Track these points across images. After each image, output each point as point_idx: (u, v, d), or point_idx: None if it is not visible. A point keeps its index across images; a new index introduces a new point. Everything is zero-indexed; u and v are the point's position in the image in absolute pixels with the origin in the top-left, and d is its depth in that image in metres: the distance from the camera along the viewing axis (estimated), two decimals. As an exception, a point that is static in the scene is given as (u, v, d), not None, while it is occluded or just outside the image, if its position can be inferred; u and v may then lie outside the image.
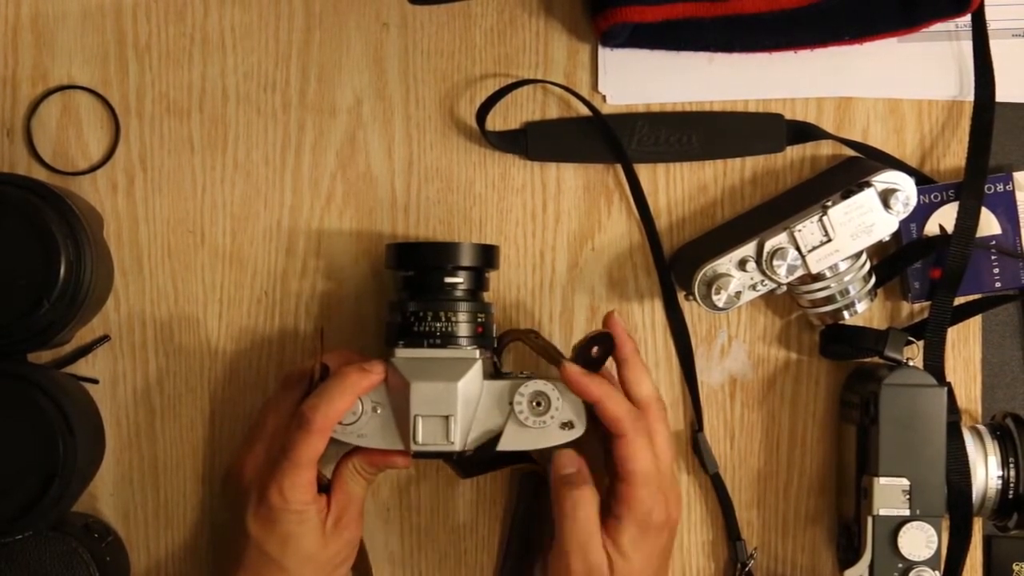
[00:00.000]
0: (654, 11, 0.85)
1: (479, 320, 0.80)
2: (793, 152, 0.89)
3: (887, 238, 0.82)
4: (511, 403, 0.78)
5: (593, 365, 0.79)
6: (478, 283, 0.81)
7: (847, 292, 0.84)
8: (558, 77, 0.88)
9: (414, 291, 0.80)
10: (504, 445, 0.79)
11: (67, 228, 0.78)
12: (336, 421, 0.77)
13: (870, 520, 0.81)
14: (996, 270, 0.87)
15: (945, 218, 0.87)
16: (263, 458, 0.80)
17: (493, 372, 0.81)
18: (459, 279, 0.80)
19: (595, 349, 0.79)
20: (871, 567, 0.81)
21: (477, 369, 0.79)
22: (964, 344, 0.89)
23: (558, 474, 0.77)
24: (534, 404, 0.78)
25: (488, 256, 0.82)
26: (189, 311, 0.88)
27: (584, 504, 0.76)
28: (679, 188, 0.89)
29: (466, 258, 0.80)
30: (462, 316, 0.79)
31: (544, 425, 0.78)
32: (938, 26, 0.88)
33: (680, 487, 0.81)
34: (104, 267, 0.83)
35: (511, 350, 0.87)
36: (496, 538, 0.89)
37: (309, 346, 0.87)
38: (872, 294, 0.85)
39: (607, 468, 0.79)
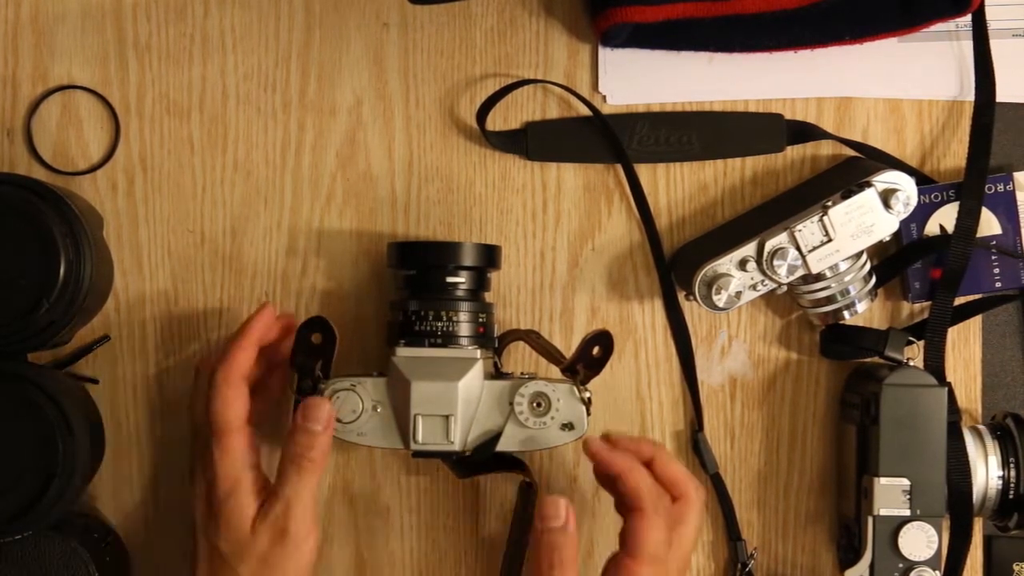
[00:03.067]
0: (654, 11, 0.85)
1: (480, 320, 0.80)
2: (793, 152, 0.89)
3: (887, 238, 0.82)
4: (511, 403, 0.78)
5: (595, 365, 0.79)
6: (480, 283, 0.81)
7: (847, 292, 0.84)
8: (558, 77, 0.88)
9: (415, 290, 0.80)
10: (504, 446, 0.79)
11: (67, 228, 0.78)
12: (238, 373, 0.77)
13: (870, 520, 0.81)
14: (996, 270, 0.87)
15: (945, 218, 0.87)
16: (198, 444, 0.80)
17: (494, 372, 0.81)
18: (461, 279, 0.80)
19: (596, 349, 0.79)
20: (871, 567, 0.81)
21: (478, 369, 0.79)
22: (964, 344, 0.89)
23: (545, 524, 0.74)
24: (534, 405, 0.78)
25: (490, 256, 0.82)
26: (189, 311, 0.88)
27: (567, 562, 0.73)
28: (679, 188, 0.89)
29: (468, 258, 0.80)
30: (463, 316, 0.79)
31: (544, 426, 0.78)
32: (938, 26, 0.88)
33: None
34: (104, 267, 0.83)
35: (511, 350, 0.87)
36: (495, 538, 0.89)
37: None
38: (872, 294, 0.85)
39: (620, 537, 0.77)
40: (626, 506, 0.76)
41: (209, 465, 0.77)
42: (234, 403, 0.77)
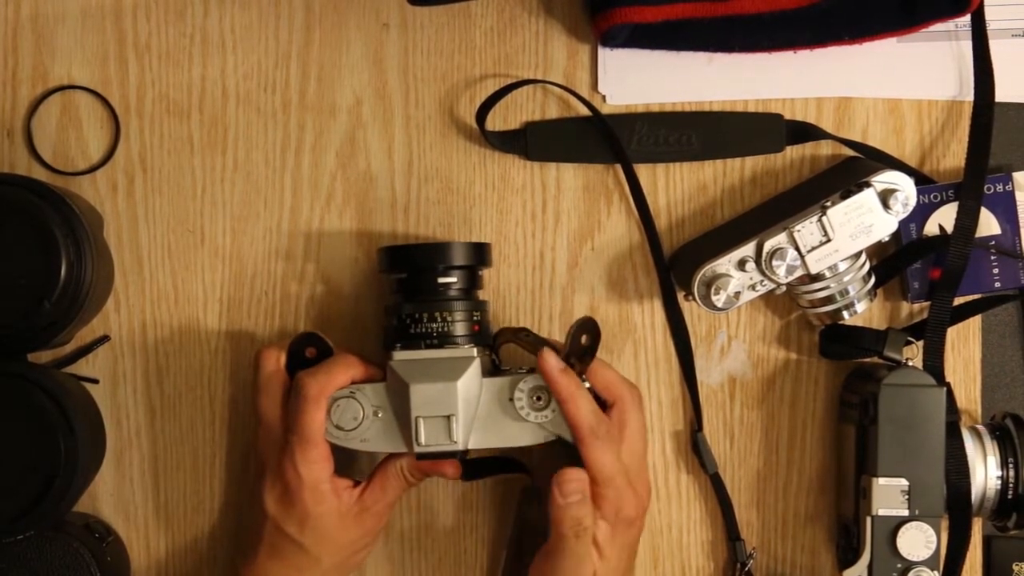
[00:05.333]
0: (654, 11, 0.85)
1: (475, 318, 0.80)
2: (792, 152, 0.89)
3: (886, 238, 0.82)
4: (511, 399, 0.78)
5: (588, 354, 0.78)
6: (472, 282, 0.81)
7: (846, 292, 0.84)
8: (558, 77, 0.88)
9: (408, 293, 0.80)
10: (507, 442, 0.79)
11: (67, 228, 0.78)
12: (330, 391, 0.78)
13: (869, 520, 0.81)
14: (996, 270, 0.87)
15: (944, 218, 0.87)
16: (270, 437, 0.81)
17: (492, 369, 0.81)
18: (452, 279, 0.80)
19: (584, 338, 0.78)
20: (870, 567, 0.81)
21: (475, 367, 0.79)
22: (964, 344, 0.89)
23: (568, 500, 0.77)
24: (534, 399, 0.78)
25: (480, 254, 0.82)
26: (189, 311, 0.88)
27: (587, 531, 0.77)
28: (679, 188, 0.89)
29: (458, 257, 0.80)
30: (458, 315, 0.79)
31: (546, 419, 0.78)
32: (938, 26, 0.88)
33: (648, 474, 0.81)
34: (104, 267, 0.83)
35: (509, 345, 0.86)
36: (495, 538, 0.89)
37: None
38: (871, 294, 0.85)
39: None
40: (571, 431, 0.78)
41: (289, 470, 0.78)
42: (320, 416, 0.78)
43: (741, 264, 0.82)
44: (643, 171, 0.88)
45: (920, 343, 0.85)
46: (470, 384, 0.79)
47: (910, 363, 0.84)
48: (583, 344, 0.78)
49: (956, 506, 0.83)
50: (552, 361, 0.78)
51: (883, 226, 0.82)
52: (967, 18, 0.87)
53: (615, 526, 0.78)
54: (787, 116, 0.89)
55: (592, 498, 0.77)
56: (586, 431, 0.77)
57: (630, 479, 0.78)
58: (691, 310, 0.89)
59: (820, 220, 0.81)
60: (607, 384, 0.80)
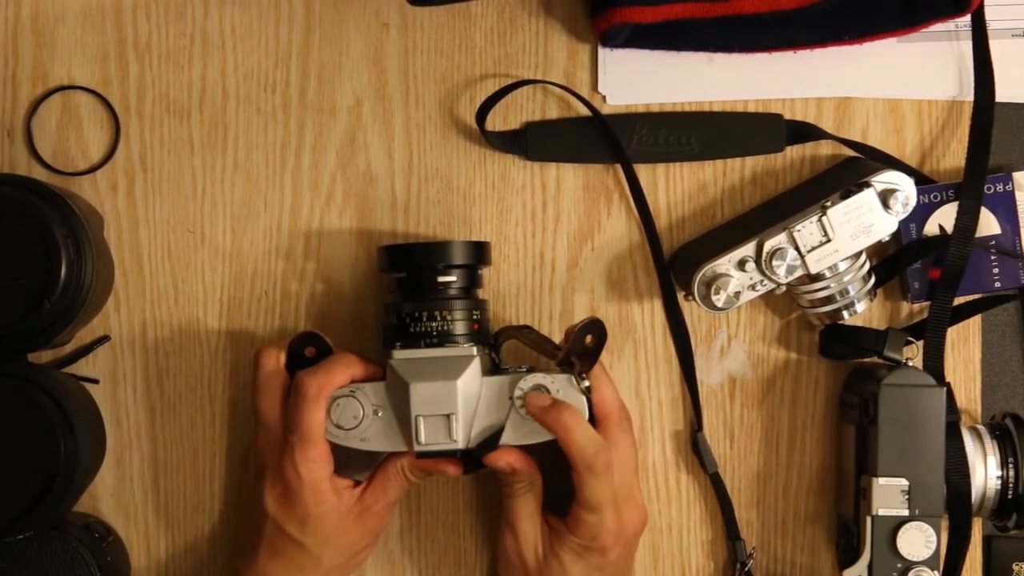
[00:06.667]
0: (654, 11, 0.85)
1: (475, 317, 0.80)
2: (793, 152, 0.89)
3: (886, 238, 0.82)
4: (511, 397, 0.78)
5: (590, 356, 0.78)
6: (471, 280, 0.81)
7: (846, 292, 0.84)
8: (558, 77, 0.88)
9: (408, 292, 0.80)
10: (507, 440, 0.79)
11: (67, 228, 0.78)
12: (330, 390, 0.78)
13: (869, 520, 0.81)
14: (996, 270, 0.87)
15: (945, 218, 0.87)
16: (270, 437, 0.81)
17: (492, 368, 0.81)
18: (452, 277, 0.80)
19: (588, 338, 0.78)
20: (870, 567, 0.81)
21: (475, 366, 0.79)
22: (964, 344, 0.89)
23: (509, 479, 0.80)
24: None
25: (480, 253, 0.82)
26: (189, 311, 0.88)
27: (530, 500, 0.81)
28: (679, 188, 0.89)
29: (458, 256, 0.80)
30: (458, 314, 0.79)
31: None
32: (938, 26, 0.88)
33: (640, 495, 0.81)
34: (104, 267, 0.83)
35: (510, 344, 0.86)
36: (494, 537, 0.88)
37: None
38: (871, 294, 0.85)
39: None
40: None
41: (289, 470, 0.78)
42: (320, 415, 0.78)
43: (741, 264, 0.82)
44: (643, 171, 0.88)
45: (920, 343, 0.86)
46: (470, 383, 0.79)
47: (910, 363, 0.84)
48: (587, 344, 0.78)
49: (956, 506, 0.83)
50: (535, 402, 0.78)
51: (883, 226, 0.82)
52: (967, 18, 0.87)
53: (587, 549, 0.79)
54: (787, 116, 0.89)
55: (573, 519, 0.79)
56: (582, 465, 0.77)
57: (618, 508, 0.79)
58: (691, 310, 0.89)
59: (820, 220, 0.81)
60: (602, 399, 0.80)
